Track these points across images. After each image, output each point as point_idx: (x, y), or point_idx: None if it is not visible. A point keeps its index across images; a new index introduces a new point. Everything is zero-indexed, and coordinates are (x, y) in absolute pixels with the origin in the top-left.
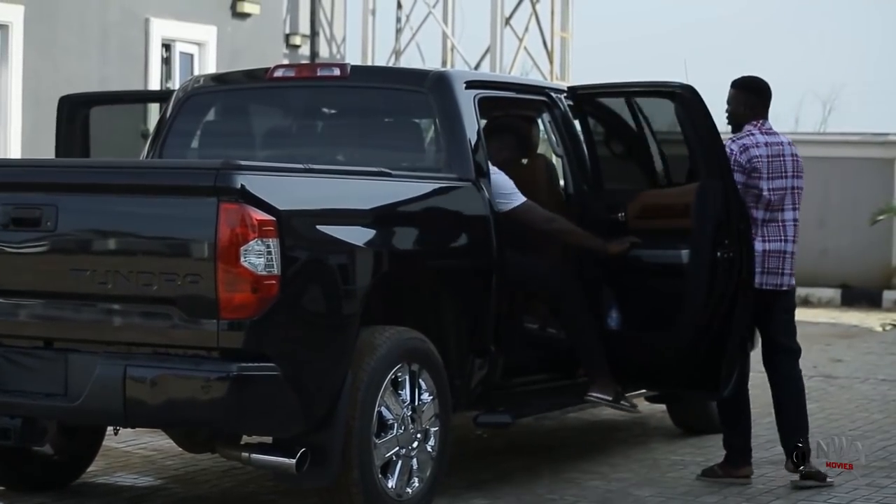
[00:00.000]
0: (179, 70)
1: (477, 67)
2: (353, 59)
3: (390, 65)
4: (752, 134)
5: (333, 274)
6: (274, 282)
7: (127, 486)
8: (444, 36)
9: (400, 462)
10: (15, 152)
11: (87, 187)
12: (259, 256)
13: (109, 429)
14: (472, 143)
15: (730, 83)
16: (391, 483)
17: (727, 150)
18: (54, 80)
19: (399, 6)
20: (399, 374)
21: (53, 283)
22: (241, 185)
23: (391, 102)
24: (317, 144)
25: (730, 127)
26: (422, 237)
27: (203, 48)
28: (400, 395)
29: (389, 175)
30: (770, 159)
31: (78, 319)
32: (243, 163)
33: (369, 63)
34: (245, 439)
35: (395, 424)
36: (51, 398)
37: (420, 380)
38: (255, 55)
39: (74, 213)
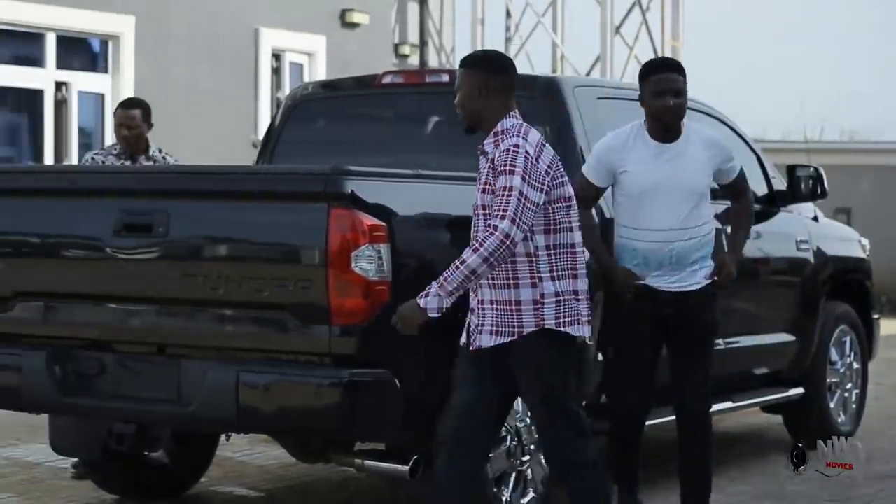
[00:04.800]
0: (289, 80)
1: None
2: None
3: None
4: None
5: None
6: (385, 287)
7: (241, 496)
8: (554, 45)
9: (514, 474)
10: None
11: (198, 194)
12: (370, 262)
13: (223, 437)
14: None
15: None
16: (506, 496)
17: (520, 153)
18: (164, 90)
19: (508, 15)
20: None
21: (165, 288)
22: (351, 190)
23: None
24: (426, 151)
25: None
26: None
27: (313, 58)
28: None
29: None
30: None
31: (190, 325)
32: (353, 168)
33: None
34: (359, 446)
35: (508, 437)
36: (164, 404)
37: None
38: (365, 65)
39: (186, 219)
